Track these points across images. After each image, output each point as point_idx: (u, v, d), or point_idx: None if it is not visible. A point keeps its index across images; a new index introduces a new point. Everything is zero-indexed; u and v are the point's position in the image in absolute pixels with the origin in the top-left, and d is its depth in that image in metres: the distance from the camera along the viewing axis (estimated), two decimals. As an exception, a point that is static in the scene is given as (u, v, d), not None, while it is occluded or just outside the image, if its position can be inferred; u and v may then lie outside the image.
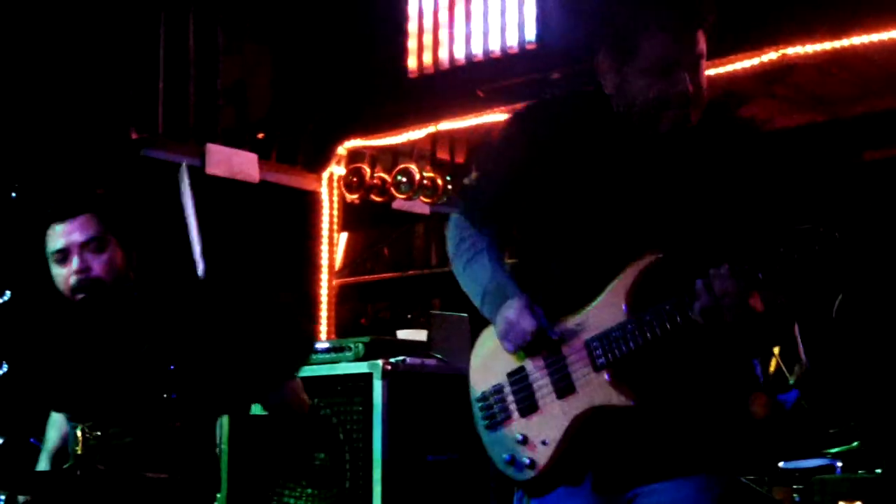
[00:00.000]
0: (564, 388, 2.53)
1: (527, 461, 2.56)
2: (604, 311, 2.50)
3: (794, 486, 4.64)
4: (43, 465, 3.43)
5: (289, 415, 3.24)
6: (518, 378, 2.61)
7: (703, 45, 2.48)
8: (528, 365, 2.60)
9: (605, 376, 2.49)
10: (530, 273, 2.66)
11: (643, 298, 2.46)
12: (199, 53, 6.91)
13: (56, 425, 3.46)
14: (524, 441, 2.57)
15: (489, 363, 2.67)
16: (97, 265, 3.11)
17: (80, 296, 3.10)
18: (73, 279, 3.10)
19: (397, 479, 4.63)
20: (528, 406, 2.58)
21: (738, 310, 2.35)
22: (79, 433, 2.92)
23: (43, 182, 5.56)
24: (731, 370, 2.58)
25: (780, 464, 4.73)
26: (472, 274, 2.70)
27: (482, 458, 2.73)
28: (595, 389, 2.50)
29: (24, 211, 5.13)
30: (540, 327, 2.51)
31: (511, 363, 2.62)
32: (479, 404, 2.67)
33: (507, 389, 2.62)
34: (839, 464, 4.62)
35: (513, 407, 2.61)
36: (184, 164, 2.60)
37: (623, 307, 2.48)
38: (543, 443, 2.55)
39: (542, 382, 2.57)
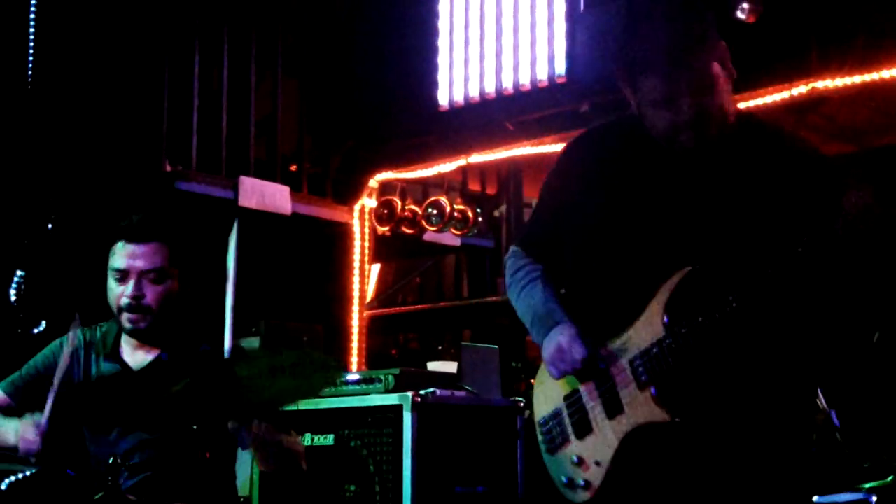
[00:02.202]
0: (614, 408, 2.58)
1: (582, 482, 2.61)
2: (643, 331, 2.56)
3: (828, 521, 4.58)
4: None
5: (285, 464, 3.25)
6: (573, 401, 2.67)
7: (709, 69, 2.52)
8: (582, 388, 2.65)
9: (650, 393, 2.53)
10: (577, 300, 2.72)
11: (679, 313, 2.50)
12: (231, 87, 6.98)
13: None
14: (579, 462, 2.63)
15: (548, 390, 2.74)
16: (151, 294, 3.20)
17: (126, 317, 3.19)
18: (123, 301, 3.20)
19: (427, 511, 4.63)
20: (583, 428, 2.64)
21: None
22: (110, 462, 2.95)
23: (77, 214, 5.63)
24: (784, 387, 2.54)
25: (815, 498, 4.68)
26: (525, 300, 2.78)
27: (510, 491, 2.74)
28: (640, 407, 2.54)
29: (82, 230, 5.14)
30: (591, 355, 2.58)
31: (567, 388, 2.68)
32: (541, 429, 2.74)
33: (564, 413, 2.69)
34: (874, 499, 4.56)
35: (570, 430, 2.67)
36: (232, 239, 2.63)
37: (661, 325, 2.53)
38: (597, 463, 2.59)
39: (594, 404, 2.62)
